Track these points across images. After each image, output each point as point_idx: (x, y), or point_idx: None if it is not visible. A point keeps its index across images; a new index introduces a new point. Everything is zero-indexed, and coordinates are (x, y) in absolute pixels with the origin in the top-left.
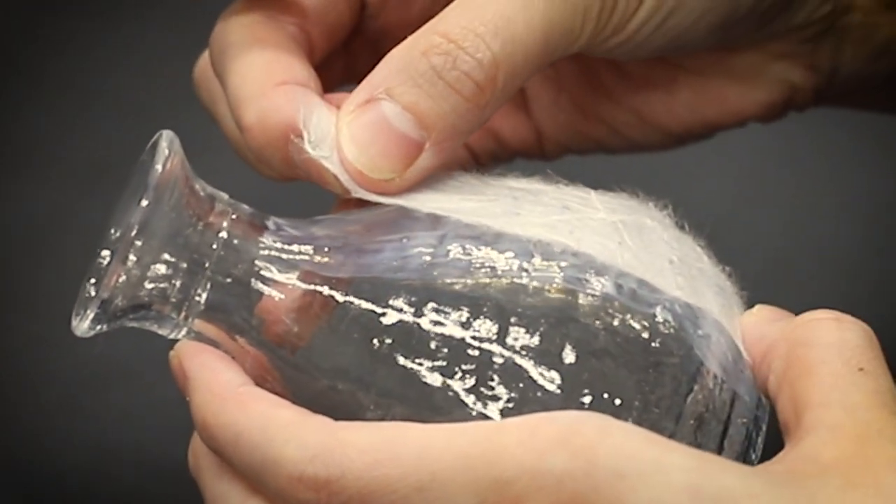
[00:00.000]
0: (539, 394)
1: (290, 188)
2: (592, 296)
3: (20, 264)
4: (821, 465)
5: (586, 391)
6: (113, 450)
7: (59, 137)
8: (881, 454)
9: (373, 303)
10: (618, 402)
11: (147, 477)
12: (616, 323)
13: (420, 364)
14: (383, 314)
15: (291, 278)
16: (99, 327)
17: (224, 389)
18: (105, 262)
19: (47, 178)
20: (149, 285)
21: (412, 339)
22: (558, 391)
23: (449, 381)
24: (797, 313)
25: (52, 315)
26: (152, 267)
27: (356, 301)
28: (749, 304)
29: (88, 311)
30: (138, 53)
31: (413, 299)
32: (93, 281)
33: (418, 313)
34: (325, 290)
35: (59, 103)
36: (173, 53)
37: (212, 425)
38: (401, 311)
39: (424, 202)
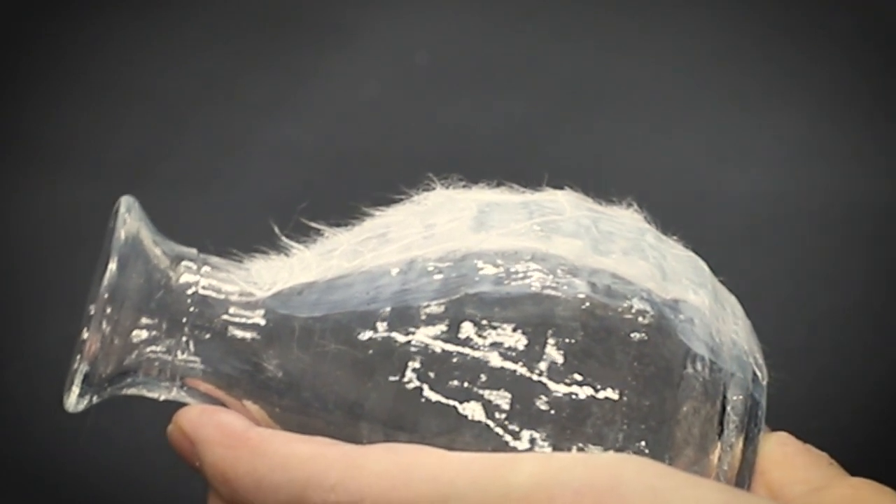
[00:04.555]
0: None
1: (317, 183)
2: (568, 298)
3: (55, 261)
4: None
5: (575, 392)
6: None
7: (94, 135)
8: None
9: (354, 333)
10: (609, 398)
11: (147, 476)
12: (595, 322)
13: (420, 386)
14: (366, 342)
15: (270, 320)
16: (87, 398)
17: (234, 440)
18: (84, 336)
19: (83, 176)
20: (131, 351)
21: (394, 362)
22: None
23: (442, 398)
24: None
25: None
26: (131, 333)
27: (337, 334)
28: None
29: (74, 385)
30: (172, 51)
31: (392, 324)
32: (77, 356)
33: (399, 336)
34: (305, 328)
35: (95, 102)
36: (208, 51)
37: (232, 479)
38: (382, 336)
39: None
